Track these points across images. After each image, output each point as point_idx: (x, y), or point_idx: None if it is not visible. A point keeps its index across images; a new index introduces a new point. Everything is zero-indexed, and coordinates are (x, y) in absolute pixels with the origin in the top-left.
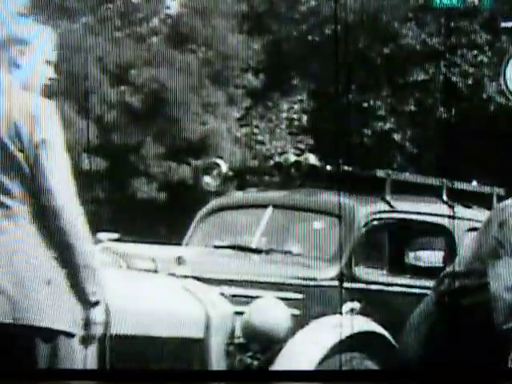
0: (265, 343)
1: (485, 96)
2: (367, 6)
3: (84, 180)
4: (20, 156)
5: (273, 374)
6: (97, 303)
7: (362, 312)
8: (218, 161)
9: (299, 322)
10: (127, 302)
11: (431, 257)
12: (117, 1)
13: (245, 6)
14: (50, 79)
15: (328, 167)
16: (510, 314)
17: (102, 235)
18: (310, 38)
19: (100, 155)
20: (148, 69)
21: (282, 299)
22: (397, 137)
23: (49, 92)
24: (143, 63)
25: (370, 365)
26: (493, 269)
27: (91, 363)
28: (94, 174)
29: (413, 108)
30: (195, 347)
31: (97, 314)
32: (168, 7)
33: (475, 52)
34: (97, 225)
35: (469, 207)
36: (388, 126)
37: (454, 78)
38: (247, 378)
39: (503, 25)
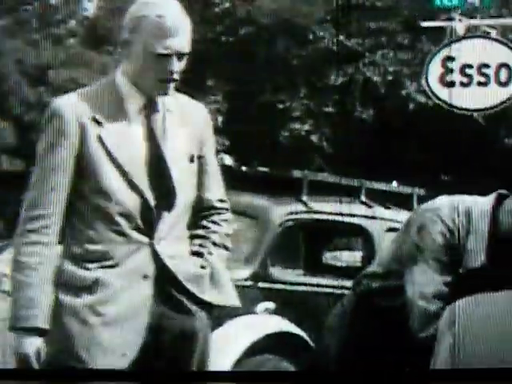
0: None
1: (404, 95)
2: (283, 8)
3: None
4: None
5: (188, 375)
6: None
7: (278, 312)
8: None
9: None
10: None
11: (349, 257)
12: (34, 3)
13: None
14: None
15: (243, 168)
16: (426, 322)
17: None
18: (224, 39)
19: (18, 156)
20: (66, 70)
21: None
22: (315, 138)
23: None
24: (61, 64)
25: (286, 366)
26: (409, 274)
27: None
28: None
29: (331, 109)
30: None
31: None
32: (85, 9)
33: (395, 52)
34: None
35: (388, 208)
36: (305, 127)
37: (373, 78)
38: (164, 380)
39: (423, 24)
